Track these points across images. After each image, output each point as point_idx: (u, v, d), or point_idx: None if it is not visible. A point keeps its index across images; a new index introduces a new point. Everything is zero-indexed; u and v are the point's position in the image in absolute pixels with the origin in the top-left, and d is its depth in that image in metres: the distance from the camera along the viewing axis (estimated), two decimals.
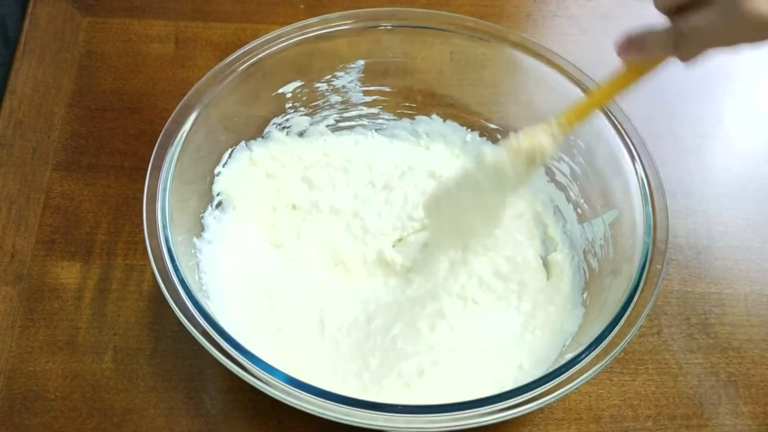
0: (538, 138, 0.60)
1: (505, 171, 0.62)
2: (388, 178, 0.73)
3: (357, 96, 0.76)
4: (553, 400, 0.55)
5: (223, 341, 0.56)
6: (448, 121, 0.77)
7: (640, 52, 0.53)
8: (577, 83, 0.68)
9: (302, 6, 0.88)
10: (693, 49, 0.50)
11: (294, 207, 0.72)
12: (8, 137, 0.77)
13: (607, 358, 0.56)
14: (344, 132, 0.77)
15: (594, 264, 0.68)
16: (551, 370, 0.57)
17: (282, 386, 0.54)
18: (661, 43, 0.51)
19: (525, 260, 0.70)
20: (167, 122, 0.65)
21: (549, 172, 0.74)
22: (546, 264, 0.71)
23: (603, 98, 0.60)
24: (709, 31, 0.48)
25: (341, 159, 0.75)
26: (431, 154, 0.77)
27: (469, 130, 0.77)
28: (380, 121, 0.78)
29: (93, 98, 0.80)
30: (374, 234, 0.71)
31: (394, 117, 0.78)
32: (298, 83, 0.73)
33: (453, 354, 0.65)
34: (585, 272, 0.69)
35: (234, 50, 0.69)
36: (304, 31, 0.70)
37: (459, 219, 0.67)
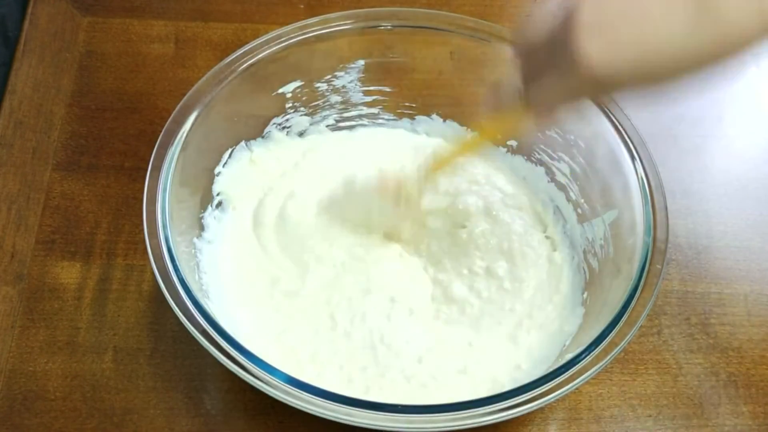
0: (404, 179, 0.64)
1: (371, 203, 0.66)
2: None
3: (357, 96, 0.76)
4: (553, 399, 0.55)
5: (223, 341, 0.56)
6: (448, 121, 0.77)
7: (496, 106, 0.56)
8: None
9: (302, 6, 0.88)
10: (542, 112, 0.53)
11: (294, 207, 0.73)
12: (8, 137, 0.77)
13: (607, 358, 0.56)
14: (344, 132, 0.77)
15: (594, 264, 0.68)
16: (551, 370, 0.56)
17: (282, 386, 0.54)
18: (513, 103, 0.54)
19: (525, 259, 0.70)
20: (167, 122, 0.65)
21: (549, 172, 0.74)
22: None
23: (467, 149, 0.65)
24: (553, 95, 0.51)
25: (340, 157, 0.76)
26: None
27: (468, 129, 0.77)
28: (380, 120, 0.78)
29: (93, 98, 0.80)
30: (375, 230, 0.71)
31: (394, 117, 0.78)
32: (298, 83, 0.73)
33: (452, 353, 0.65)
34: (585, 272, 0.69)
35: (234, 50, 0.69)
36: (304, 31, 0.70)
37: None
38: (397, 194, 0.65)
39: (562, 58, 0.48)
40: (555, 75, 0.49)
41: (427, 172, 0.64)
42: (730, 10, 0.44)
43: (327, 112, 0.76)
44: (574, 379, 0.55)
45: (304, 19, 0.71)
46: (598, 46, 0.46)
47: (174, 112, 0.65)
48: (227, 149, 0.71)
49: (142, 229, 0.60)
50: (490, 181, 0.73)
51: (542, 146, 0.73)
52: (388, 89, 0.76)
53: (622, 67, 0.47)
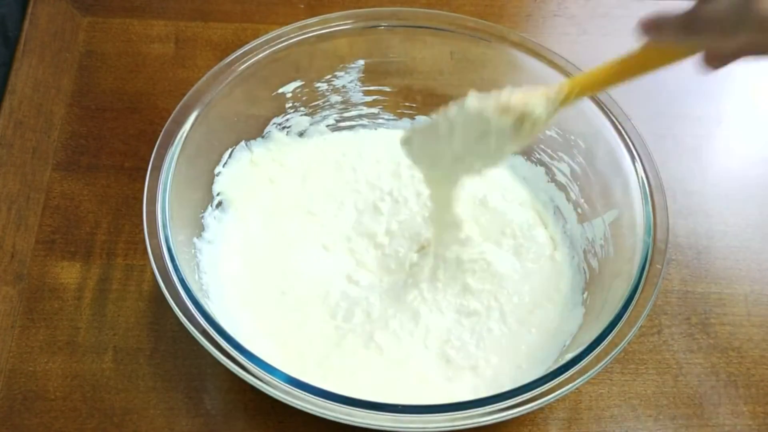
0: (532, 100, 0.55)
1: (489, 124, 0.56)
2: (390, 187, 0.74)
3: (357, 96, 0.76)
4: (553, 399, 0.55)
5: (223, 341, 0.56)
6: None
7: (656, 33, 0.50)
8: None
9: (302, 6, 0.88)
10: (705, 35, 0.48)
11: (295, 206, 0.73)
12: (8, 137, 0.77)
13: (608, 358, 0.56)
14: (344, 132, 0.77)
15: (594, 264, 0.68)
16: (551, 370, 0.56)
17: (282, 386, 0.54)
18: (674, 27, 0.49)
19: (529, 253, 0.70)
20: (167, 122, 0.65)
21: (549, 172, 0.74)
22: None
23: (614, 78, 0.55)
24: (721, 19, 0.47)
25: (341, 157, 0.76)
26: None
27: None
28: (380, 120, 0.78)
29: (93, 98, 0.80)
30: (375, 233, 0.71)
31: (394, 117, 0.78)
32: (298, 83, 0.73)
33: (451, 355, 0.65)
34: (585, 272, 0.69)
35: (234, 50, 0.69)
36: (304, 31, 0.70)
37: (440, 158, 0.62)
38: (521, 114, 0.56)
39: (747, 10, 0.44)
40: (737, 25, 0.46)
41: (562, 94, 0.55)
42: None
43: (327, 112, 0.76)
44: (575, 379, 0.55)
45: (304, 19, 0.71)
46: None
47: (174, 112, 0.65)
48: (227, 149, 0.71)
49: (142, 229, 0.60)
50: (491, 178, 0.74)
51: (542, 146, 0.74)
52: (388, 89, 0.76)
53: None
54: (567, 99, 0.56)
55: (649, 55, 0.53)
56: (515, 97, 0.56)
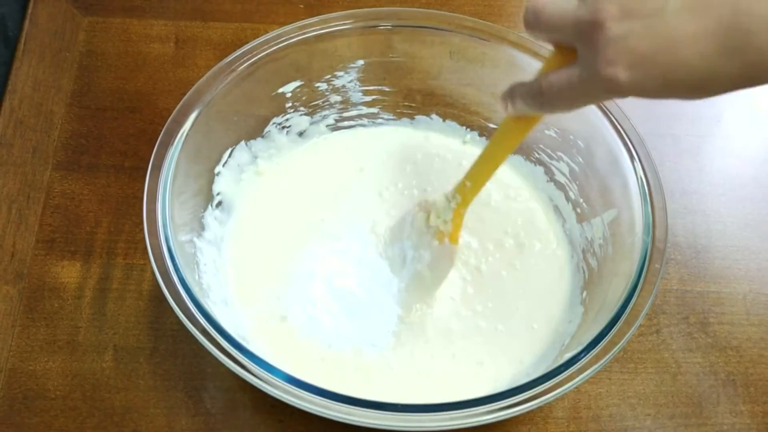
0: (437, 197, 0.65)
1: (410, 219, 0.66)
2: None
3: (357, 96, 0.76)
4: (552, 399, 0.55)
5: (223, 340, 0.56)
6: (448, 121, 0.77)
7: (511, 106, 0.54)
8: None
9: (302, 6, 0.88)
10: (551, 104, 0.51)
11: (295, 206, 0.73)
12: (8, 136, 0.77)
13: (606, 358, 0.56)
14: (344, 131, 0.78)
15: (593, 263, 0.68)
16: (550, 369, 0.57)
17: (282, 385, 0.54)
18: (525, 98, 0.52)
19: (533, 249, 0.70)
20: (167, 122, 0.65)
21: (548, 172, 0.74)
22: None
23: (495, 160, 0.61)
24: (565, 90, 0.49)
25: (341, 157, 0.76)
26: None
27: (468, 129, 0.77)
28: (380, 120, 0.78)
29: (93, 98, 0.80)
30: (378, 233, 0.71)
31: (394, 117, 0.78)
32: (297, 83, 0.73)
33: (451, 353, 0.65)
34: (584, 272, 0.69)
35: (234, 50, 0.69)
36: (304, 31, 0.71)
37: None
38: (425, 222, 0.65)
39: (585, 59, 0.47)
40: (572, 72, 0.48)
41: (455, 195, 0.64)
42: (762, 42, 0.42)
43: (327, 112, 0.76)
44: (574, 378, 0.55)
45: (303, 18, 0.71)
46: (627, 62, 0.44)
47: (174, 111, 0.65)
48: (227, 149, 0.71)
49: (143, 229, 0.60)
50: (494, 176, 0.74)
51: (541, 146, 0.74)
52: (387, 89, 0.76)
53: (648, 85, 0.45)
54: (463, 192, 0.64)
55: (513, 126, 0.57)
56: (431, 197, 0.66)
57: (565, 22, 0.48)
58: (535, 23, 0.50)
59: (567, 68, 0.49)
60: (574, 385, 0.55)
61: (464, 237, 0.70)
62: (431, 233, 0.66)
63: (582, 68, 0.48)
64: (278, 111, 0.74)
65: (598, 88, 0.47)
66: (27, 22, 0.84)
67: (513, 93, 0.53)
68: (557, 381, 0.55)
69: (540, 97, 0.51)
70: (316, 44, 0.71)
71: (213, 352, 0.56)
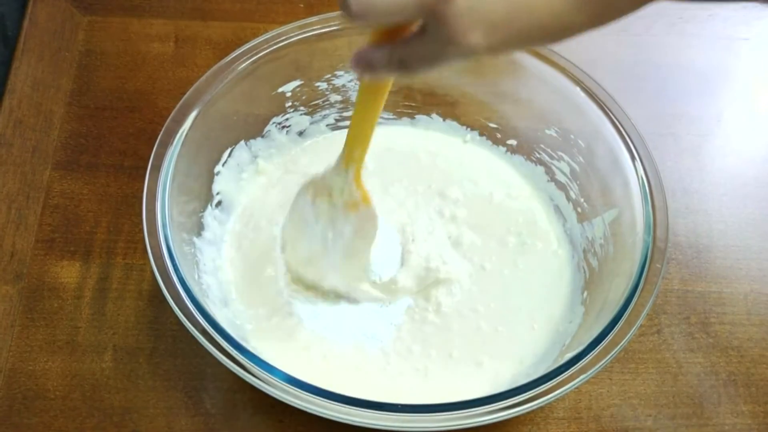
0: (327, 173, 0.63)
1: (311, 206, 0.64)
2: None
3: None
4: (552, 399, 0.55)
5: (223, 340, 0.56)
6: (448, 120, 0.77)
7: (370, 74, 0.53)
8: (577, 83, 0.68)
9: (302, 5, 0.87)
10: (413, 71, 0.50)
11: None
12: (8, 136, 0.77)
13: (607, 358, 0.56)
14: (344, 131, 0.77)
15: (594, 263, 0.68)
16: (551, 369, 0.56)
17: (282, 385, 0.54)
18: (387, 66, 0.51)
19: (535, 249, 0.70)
20: (167, 121, 0.65)
21: (549, 172, 0.74)
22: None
23: (370, 120, 0.60)
24: (426, 58, 0.49)
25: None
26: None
27: (468, 129, 0.77)
28: (380, 120, 0.77)
29: (92, 97, 0.80)
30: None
31: (394, 116, 0.78)
32: (297, 82, 0.73)
33: (451, 353, 0.65)
34: (585, 271, 0.69)
35: (234, 49, 0.69)
36: (304, 30, 0.70)
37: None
38: (328, 203, 0.64)
39: (437, 31, 0.46)
40: (430, 42, 0.47)
41: (341, 164, 0.63)
42: None
43: (327, 112, 0.76)
44: (574, 379, 0.55)
45: (303, 18, 0.71)
46: (482, 30, 0.45)
47: (173, 111, 0.65)
48: (227, 148, 0.71)
49: (142, 229, 0.60)
50: (497, 175, 0.74)
51: (542, 145, 0.74)
52: None
53: (504, 46, 0.46)
54: (352, 161, 0.62)
55: (374, 87, 0.56)
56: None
57: (404, 6, 0.46)
58: (367, 12, 0.47)
59: (419, 37, 0.48)
60: (575, 386, 0.55)
61: (468, 234, 0.70)
62: (341, 209, 0.64)
63: (434, 39, 0.47)
64: (278, 110, 0.74)
65: (456, 54, 0.47)
66: (26, 22, 0.83)
67: (370, 62, 0.51)
68: (558, 381, 0.55)
69: (400, 65, 0.50)
70: (316, 43, 0.71)
71: (213, 352, 0.56)
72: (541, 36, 0.46)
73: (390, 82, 0.56)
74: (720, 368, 0.69)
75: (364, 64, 0.52)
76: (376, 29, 0.51)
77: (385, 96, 0.57)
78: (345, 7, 0.46)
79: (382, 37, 0.50)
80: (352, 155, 0.62)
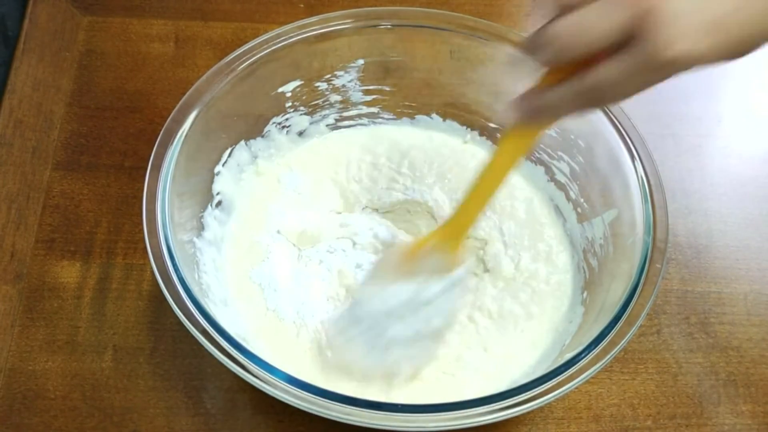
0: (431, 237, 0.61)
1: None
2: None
3: (357, 95, 0.76)
4: (552, 399, 0.55)
5: (223, 340, 0.55)
6: (448, 120, 0.77)
7: (543, 117, 0.48)
8: None
9: (302, 5, 0.88)
10: (604, 101, 0.47)
11: (295, 205, 0.73)
12: (8, 136, 0.77)
13: (607, 358, 0.56)
14: (344, 131, 0.77)
15: (594, 263, 0.68)
16: (551, 369, 0.56)
17: (282, 385, 0.54)
18: (567, 100, 0.47)
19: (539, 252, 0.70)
20: (167, 121, 0.65)
21: (549, 172, 0.74)
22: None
23: (490, 188, 0.56)
24: (623, 81, 0.45)
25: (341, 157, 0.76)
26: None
27: (468, 129, 0.77)
28: (380, 120, 0.78)
29: (93, 97, 0.80)
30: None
31: (394, 116, 0.78)
32: (297, 82, 0.73)
33: (450, 352, 0.65)
34: (585, 271, 0.69)
35: (234, 49, 0.69)
36: (304, 31, 0.70)
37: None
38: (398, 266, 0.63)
39: (639, 49, 0.43)
40: (625, 62, 0.44)
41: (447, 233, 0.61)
42: None
43: (327, 112, 0.76)
44: (574, 379, 0.55)
45: (303, 18, 0.71)
46: (698, 33, 0.42)
47: (174, 111, 0.65)
48: (227, 148, 0.71)
49: (142, 229, 0.60)
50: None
51: (542, 145, 0.74)
52: (387, 88, 0.76)
53: (722, 51, 0.43)
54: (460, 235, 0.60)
55: (512, 145, 0.53)
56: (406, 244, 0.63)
57: (609, 29, 0.43)
58: (566, 49, 0.44)
59: (613, 60, 0.44)
60: (575, 386, 0.55)
61: (477, 235, 0.71)
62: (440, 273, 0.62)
63: (639, 54, 0.43)
64: (278, 110, 0.74)
65: (661, 72, 0.44)
66: (27, 22, 0.83)
67: (544, 105, 0.47)
68: (557, 381, 0.55)
69: (590, 98, 0.46)
70: (316, 44, 0.71)
71: (213, 352, 0.56)
72: (756, 38, 0.43)
73: (532, 141, 0.51)
74: (720, 368, 0.69)
75: (534, 109, 0.47)
76: (562, 66, 0.46)
77: (520, 159, 0.53)
78: (538, 50, 0.43)
79: (563, 74, 0.45)
80: (463, 227, 0.59)
